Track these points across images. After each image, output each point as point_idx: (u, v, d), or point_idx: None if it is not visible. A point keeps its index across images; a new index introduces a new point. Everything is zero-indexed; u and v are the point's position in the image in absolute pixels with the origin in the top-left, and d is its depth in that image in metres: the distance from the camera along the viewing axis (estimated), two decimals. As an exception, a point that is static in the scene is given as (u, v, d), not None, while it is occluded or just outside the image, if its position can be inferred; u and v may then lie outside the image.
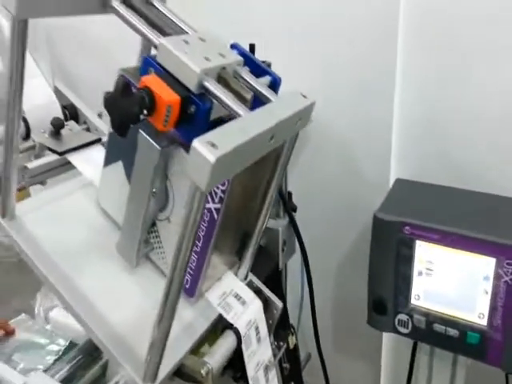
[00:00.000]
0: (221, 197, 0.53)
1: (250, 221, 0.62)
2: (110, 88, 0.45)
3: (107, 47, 0.99)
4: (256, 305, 0.64)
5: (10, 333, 1.03)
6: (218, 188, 0.52)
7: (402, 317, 0.74)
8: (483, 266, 0.67)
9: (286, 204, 0.84)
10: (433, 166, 0.90)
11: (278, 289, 0.68)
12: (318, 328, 0.93)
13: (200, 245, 0.56)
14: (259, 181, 0.60)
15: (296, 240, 0.86)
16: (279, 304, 0.67)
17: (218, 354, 0.57)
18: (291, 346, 0.74)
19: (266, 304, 0.67)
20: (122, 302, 0.55)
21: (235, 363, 0.66)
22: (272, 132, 0.44)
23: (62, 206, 0.61)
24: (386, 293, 0.73)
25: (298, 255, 0.92)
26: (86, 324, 0.51)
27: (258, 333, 0.64)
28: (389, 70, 0.86)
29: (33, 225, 0.56)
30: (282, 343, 0.69)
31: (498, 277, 0.66)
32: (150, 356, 0.48)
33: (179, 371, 0.57)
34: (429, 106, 0.86)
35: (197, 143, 0.36)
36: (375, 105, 0.89)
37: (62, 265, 0.54)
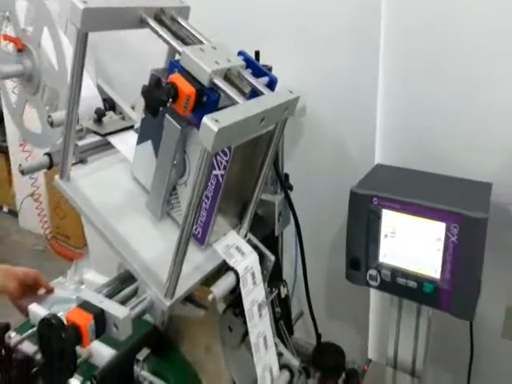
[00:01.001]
0: (224, 165, 0.70)
1: (249, 192, 0.80)
2: (140, 85, 0.63)
3: (137, 53, 1.20)
4: (253, 256, 0.82)
5: (50, 291, 1.21)
6: (222, 158, 0.70)
7: (372, 272, 0.90)
8: (435, 229, 0.83)
9: (282, 182, 1.01)
10: (410, 153, 1.06)
11: (274, 250, 0.85)
12: (311, 291, 1.10)
13: (208, 203, 0.73)
14: (255, 160, 0.77)
15: (291, 213, 1.04)
16: (272, 257, 0.84)
17: (220, 286, 0.74)
18: (283, 295, 0.91)
19: (262, 257, 0.84)
20: (149, 244, 0.73)
21: (235, 303, 0.84)
22: (262, 115, 0.62)
23: (106, 174, 0.79)
24: (360, 252, 0.90)
25: (292, 228, 1.09)
26: (124, 257, 0.69)
27: (253, 277, 0.81)
28: (372, 74, 1.03)
29: (84, 186, 0.74)
30: (274, 289, 0.86)
31: (447, 238, 0.82)
32: (169, 280, 0.66)
33: (191, 298, 0.75)
34: (409, 104, 1.03)
35: (205, 119, 0.54)
36: (361, 99, 1.06)
37: (107, 216, 0.72)
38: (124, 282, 0.72)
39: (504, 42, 0.89)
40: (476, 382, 1.12)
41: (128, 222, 0.74)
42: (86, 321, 0.61)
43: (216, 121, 0.54)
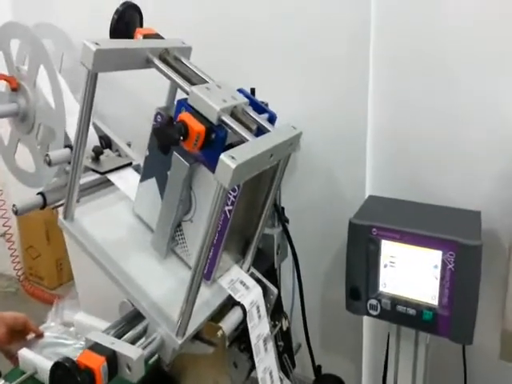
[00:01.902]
0: (232, 200, 0.71)
1: (251, 228, 0.81)
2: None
3: (131, 93, 1.21)
4: (257, 289, 0.82)
5: (40, 336, 1.16)
6: (230, 194, 0.71)
7: (373, 301, 0.91)
8: (433, 258, 0.86)
9: (280, 216, 1.03)
10: (400, 185, 1.09)
11: (274, 282, 0.86)
12: (307, 321, 1.11)
13: (216, 239, 0.74)
14: (259, 195, 0.78)
15: (288, 246, 1.05)
16: (275, 290, 0.85)
17: (228, 322, 0.74)
18: (284, 328, 0.91)
19: (265, 290, 0.84)
20: (156, 281, 0.72)
21: (240, 338, 0.83)
22: (271, 152, 0.64)
23: (108, 212, 0.79)
24: (360, 282, 0.91)
25: (288, 261, 1.10)
26: (132, 295, 0.68)
27: (258, 311, 0.81)
28: (363, 110, 1.07)
29: (88, 225, 0.73)
30: (277, 322, 0.86)
31: (444, 265, 0.85)
32: (181, 318, 0.65)
33: (199, 335, 0.74)
34: (399, 136, 1.07)
35: (223, 156, 0.55)
36: (352, 135, 1.09)
37: (112, 255, 0.72)
38: (130, 323, 0.71)
39: (491, 69, 0.94)
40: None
41: (133, 260, 0.73)
42: (98, 363, 0.60)
43: (233, 158, 0.55)
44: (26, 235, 2.73)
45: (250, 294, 0.80)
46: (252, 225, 0.81)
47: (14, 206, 0.83)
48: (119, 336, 0.68)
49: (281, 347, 0.89)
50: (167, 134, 0.61)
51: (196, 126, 0.63)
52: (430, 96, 1.01)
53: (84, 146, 0.69)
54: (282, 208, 1.06)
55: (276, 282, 0.91)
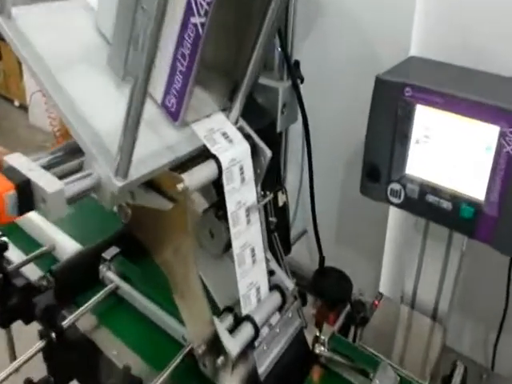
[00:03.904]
0: (206, 10, 0.52)
1: (241, 69, 0.62)
2: None
3: None
4: (243, 146, 0.65)
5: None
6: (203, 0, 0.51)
7: (395, 186, 0.72)
8: (485, 135, 0.64)
9: (290, 67, 0.81)
10: (451, 49, 0.83)
11: (274, 148, 0.68)
12: (318, 208, 0.94)
13: (185, 64, 0.56)
14: (248, 29, 0.59)
15: (299, 109, 0.84)
16: (268, 152, 0.67)
17: (195, 176, 0.58)
18: (280, 203, 0.75)
19: (255, 150, 0.67)
20: (106, 109, 0.57)
21: (220, 204, 0.68)
22: None
23: (62, 19, 0.62)
24: (381, 159, 0.71)
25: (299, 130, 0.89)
26: (71, 124, 0.54)
27: (242, 173, 0.65)
28: None
29: (29, 28, 0.57)
30: (268, 193, 0.69)
31: (500, 147, 0.63)
32: (119, 153, 0.50)
33: (158, 187, 0.60)
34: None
35: None
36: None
37: (54, 69, 0.56)
38: (73, 155, 0.57)
39: None
40: (506, 341, 0.95)
41: (82, 80, 0.58)
42: (3, 190, 0.47)
43: None
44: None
45: (232, 150, 0.64)
46: (242, 67, 0.62)
47: None
48: (49, 167, 0.54)
49: (273, 224, 0.74)
50: None
51: None
52: None
53: None
54: (297, 62, 0.84)
55: (275, 148, 0.73)
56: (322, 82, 0.93)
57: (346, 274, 0.90)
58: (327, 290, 0.87)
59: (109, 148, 0.53)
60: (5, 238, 0.90)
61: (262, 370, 0.65)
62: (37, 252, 0.85)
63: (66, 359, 0.75)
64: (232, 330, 0.65)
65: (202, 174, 0.60)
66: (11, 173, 0.49)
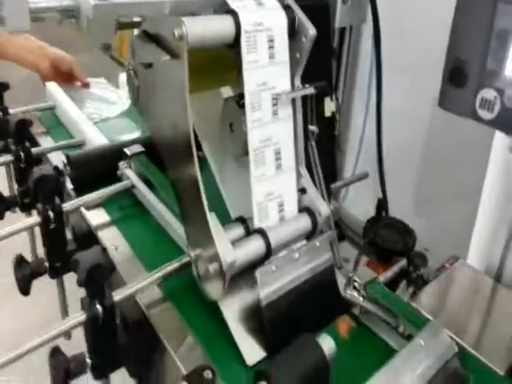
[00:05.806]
0: None
1: None
2: None
3: None
4: (277, 13, 0.51)
5: (85, 85, 1.09)
6: None
7: (488, 93, 0.51)
8: None
9: None
10: None
11: (326, 44, 0.52)
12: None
13: None
14: None
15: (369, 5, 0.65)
16: (312, 31, 0.52)
17: (199, 24, 0.46)
18: (327, 113, 0.59)
19: (294, 29, 0.52)
20: None
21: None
22: None
23: None
24: (469, 56, 0.51)
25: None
26: None
27: (271, 47, 0.51)
28: None
29: None
30: (307, 85, 0.54)
31: None
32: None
33: (155, 37, 0.49)
34: None
35: None
36: None
37: None
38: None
39: None
40: None
41: None
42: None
43: None
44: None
45: (261, 12, 0.50)
46: None
47: None
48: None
49: (312, 134, 0.58)
50: None
51: None
52: None
53: None
54: None
55: (327, 43, 0.56)
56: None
57: (409, 226, 0.72)
58: (382, 237, 0.69)
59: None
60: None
61: (264, 294, 0.51)
62: (66, 142, 0.80)
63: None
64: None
65: (210, 24, 0.47)
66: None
